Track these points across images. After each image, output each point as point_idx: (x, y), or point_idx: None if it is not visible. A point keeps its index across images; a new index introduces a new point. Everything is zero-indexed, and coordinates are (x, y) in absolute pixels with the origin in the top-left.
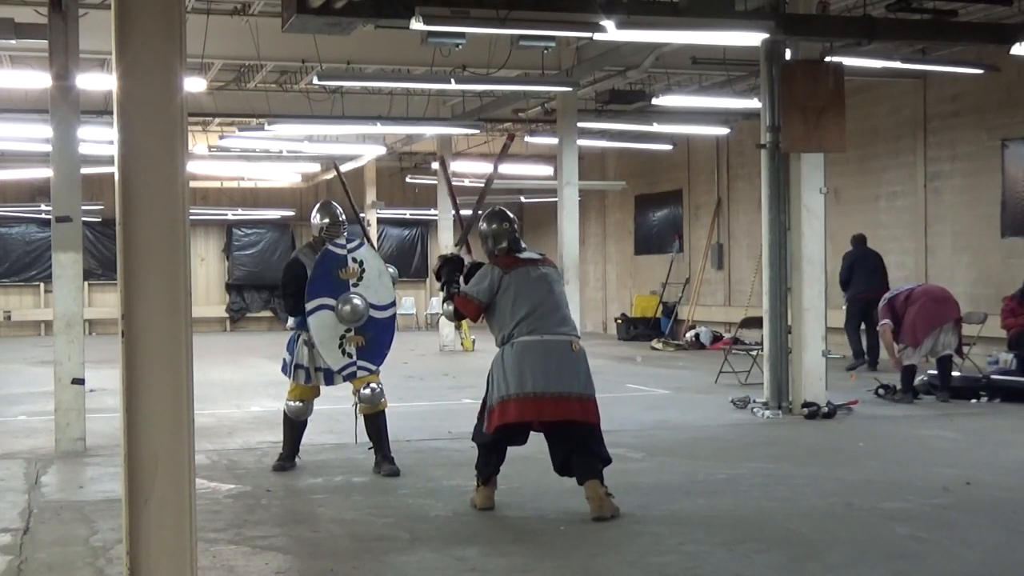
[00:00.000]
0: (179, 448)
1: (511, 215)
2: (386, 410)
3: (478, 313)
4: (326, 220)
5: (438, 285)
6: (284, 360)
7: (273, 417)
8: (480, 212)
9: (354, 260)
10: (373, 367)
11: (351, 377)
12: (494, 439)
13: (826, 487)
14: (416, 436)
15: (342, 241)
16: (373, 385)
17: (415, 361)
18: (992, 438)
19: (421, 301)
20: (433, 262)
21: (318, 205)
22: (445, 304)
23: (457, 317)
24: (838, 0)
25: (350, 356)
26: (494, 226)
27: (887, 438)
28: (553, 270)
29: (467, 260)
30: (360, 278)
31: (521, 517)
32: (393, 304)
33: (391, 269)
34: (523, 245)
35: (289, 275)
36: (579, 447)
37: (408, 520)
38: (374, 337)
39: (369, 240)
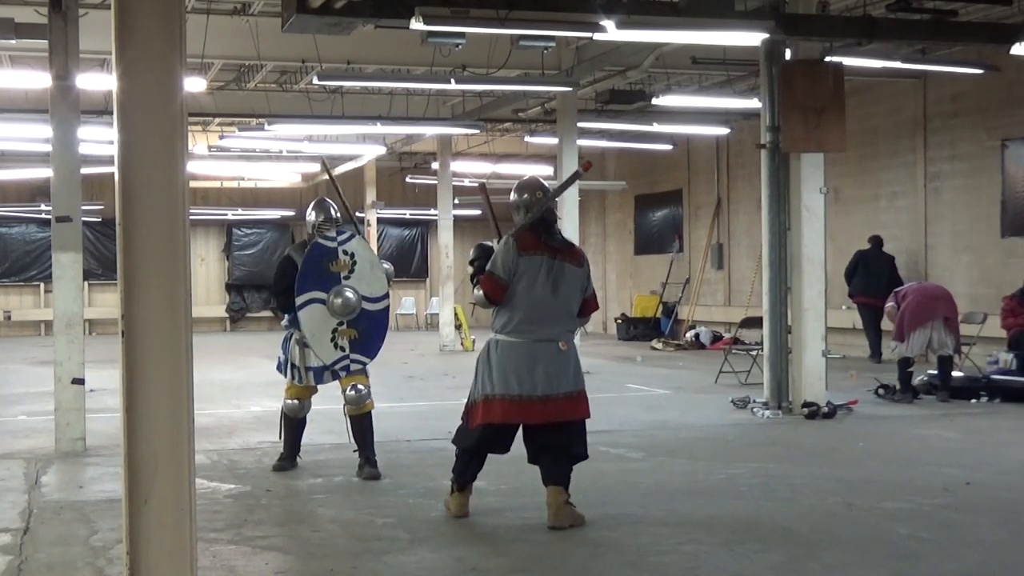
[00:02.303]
0: (179, 448)
1: (546, 185)
2: (373, 411)
3: (504, 295)
4: (321, 218)
5: (470, 272)
6: (279, 359)
7: (273, 417)
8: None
9: (345, 252)
10: (367, 360)
11: (345, 371)
12: (477, 443)
13: (826, 487)
14: (416, 436)
15: (332, 234)
16: (360, 386)
17: (415, 361)
18: (992, 438)
19: (421, 301)
20: (469, 253)
21: (313, 203)
22: (475, 290)
23: (489, 302)
24: (838, 0)
25: (343, 349)
26: (525, 196)
27: (887, 438)
28: (572, 267)
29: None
30: (351, 270)
31: (521, 517)
32: (386, 296)
33: (386, 265)
34: (556, 221)
35: (280, 272)
36: (554, 445)
37: (408, 520)
38: (367, 330)
39: (361, 235)
